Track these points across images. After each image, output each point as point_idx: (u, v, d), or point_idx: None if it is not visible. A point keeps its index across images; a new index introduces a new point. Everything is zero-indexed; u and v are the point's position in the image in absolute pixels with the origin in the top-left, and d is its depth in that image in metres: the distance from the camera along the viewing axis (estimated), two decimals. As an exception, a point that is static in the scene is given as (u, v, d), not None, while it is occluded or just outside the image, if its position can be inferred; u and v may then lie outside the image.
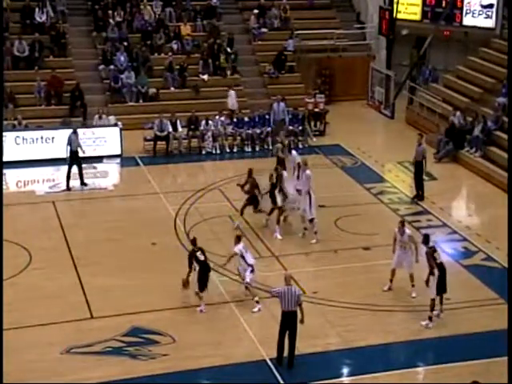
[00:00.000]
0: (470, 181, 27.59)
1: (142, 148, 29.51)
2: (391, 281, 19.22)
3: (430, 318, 17.66)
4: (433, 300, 17.54)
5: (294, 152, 24.75)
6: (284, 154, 25.28)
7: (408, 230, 19.11)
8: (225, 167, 27.85)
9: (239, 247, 18.40)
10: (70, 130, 26.45)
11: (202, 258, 18.25)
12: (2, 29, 32.55)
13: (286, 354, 16.13)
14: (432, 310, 17.62)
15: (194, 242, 18.70)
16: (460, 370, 16.03)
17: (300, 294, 16.14)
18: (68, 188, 25.73)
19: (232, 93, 32.29)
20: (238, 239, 18.54)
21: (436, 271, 17.36)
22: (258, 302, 18.29)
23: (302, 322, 15.96)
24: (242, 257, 18.39)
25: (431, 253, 17.50)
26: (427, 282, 17.51)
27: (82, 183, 25.99)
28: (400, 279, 19.59)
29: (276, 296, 16.06)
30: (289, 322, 15.96)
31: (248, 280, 18.38)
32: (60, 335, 17.12)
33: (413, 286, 18.91)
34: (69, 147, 25.81)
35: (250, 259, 18.54)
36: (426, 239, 17.83)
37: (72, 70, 33.22)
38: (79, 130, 28.06)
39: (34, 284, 19.34)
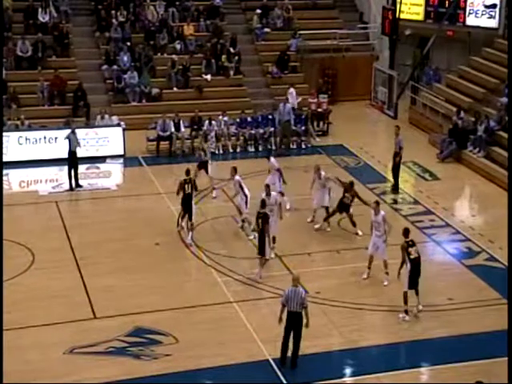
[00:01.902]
0: (472, 181, 27.58)
1: (145, 148, 29.52)
2: (369, 268, 19.64)
3: (406, 311, 17.86)
4: (405, 293, 17.75)
5: (272, 158, 24.59)
6: (206, 157, 25.45)
7: (382, 212, 19.60)
8: (228, 167, 27.75)
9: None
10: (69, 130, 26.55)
11: (188, 190, 21.62)
12: (3, 28, 32.59)
13: (289, 354, 16.16)
14: (406, 302, 17.80)
15: (187, 172, 21.99)
16: (463, 370, 16.04)
17: (305, 296, 16.10)
18: (71, 188, 25.75)
19: (292, 90, 32.34)
20: (234, 170, 22.35)
21: (408, 265, 17.58)
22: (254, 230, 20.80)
23: (306, 325, 15.96)
24: (241, 186, 21.91)
25: (405, 246, 17.70)
26: (398, 274, 17.90)
27: (77, 185, 25.98)
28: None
29: (283, 302, 16.03)
30: (293, 323, 15.97)
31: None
32: (63, 335, 17.14)
33: (386, 273, 19.33)
34: (68, 147, 25.88)
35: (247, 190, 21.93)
36: (406, 233, 17.97)
37: (75, 70, 33.24)
38: (82, 130, 28.21)
39: (37, 284, 19.36)
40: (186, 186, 21.79)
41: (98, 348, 16.65)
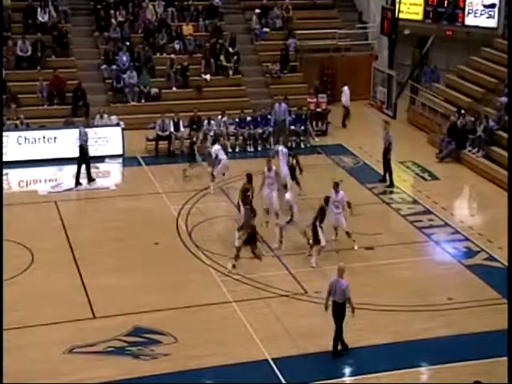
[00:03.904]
0: (472, 180, 27.59)
1: (144, 148, 29.53)
2: (336, 234, 21.68)
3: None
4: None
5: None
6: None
7: (342, 192, 21.18)
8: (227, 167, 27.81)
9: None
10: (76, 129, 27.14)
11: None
12: (3, 28, 32.60)
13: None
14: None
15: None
16: (462, 370, 16.03)
17: (346, 287, 16.33)
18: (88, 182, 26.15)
19: (345, 89, 32.56)
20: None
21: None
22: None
23: (352, 311, 16.46)
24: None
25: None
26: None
27: (78, 182, 26.16)
28: (402, 280, 19.66)
29: (328, 290, 16.54)
30: (335, 312, 16.40)
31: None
32: (62, 335, 17.13)
33: (353, 241, 21.27)
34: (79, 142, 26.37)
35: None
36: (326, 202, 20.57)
37: (74, 69, 33.26)
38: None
39: (36, 284, 19.35)
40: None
41: (98, 348, 16.65)
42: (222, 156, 25.75)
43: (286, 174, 24.00)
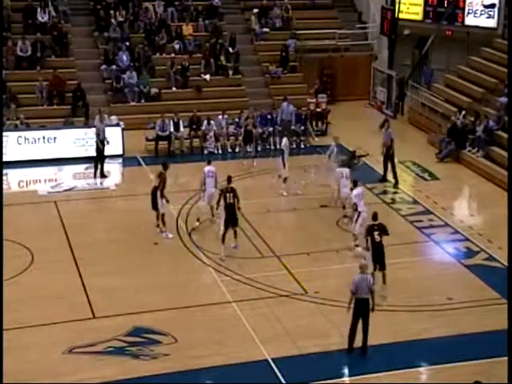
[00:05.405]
0: (472, 181, 27.59)
1: (144, 148, 29.53)
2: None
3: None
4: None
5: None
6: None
7: (357, 189, 21.44)
8: (227, 167, 27.78)
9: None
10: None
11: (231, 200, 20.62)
12: (3, 28, 32.60)
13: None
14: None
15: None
16: (462, 370, 16.02)
17: (372, 282, 16.51)
18: (95, 176, 26.69)
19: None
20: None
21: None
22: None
23: (372, 309, 16.47)
24: None
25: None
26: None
27: (102, 175, 26.90)
28: (402, 280, 19.64)
29: (353, 290, 16.41)
30: (362, 309, 16.40)
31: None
32: (62, 335, 17.13)
33: (357, 241, 21.18)
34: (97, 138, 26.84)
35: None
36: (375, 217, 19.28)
37: (74, 69, 33.27)
38: (81, 130, 28.35)
39: (36, 284, 19.35)
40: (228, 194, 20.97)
41: (97, 348, 16.65)
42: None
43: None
